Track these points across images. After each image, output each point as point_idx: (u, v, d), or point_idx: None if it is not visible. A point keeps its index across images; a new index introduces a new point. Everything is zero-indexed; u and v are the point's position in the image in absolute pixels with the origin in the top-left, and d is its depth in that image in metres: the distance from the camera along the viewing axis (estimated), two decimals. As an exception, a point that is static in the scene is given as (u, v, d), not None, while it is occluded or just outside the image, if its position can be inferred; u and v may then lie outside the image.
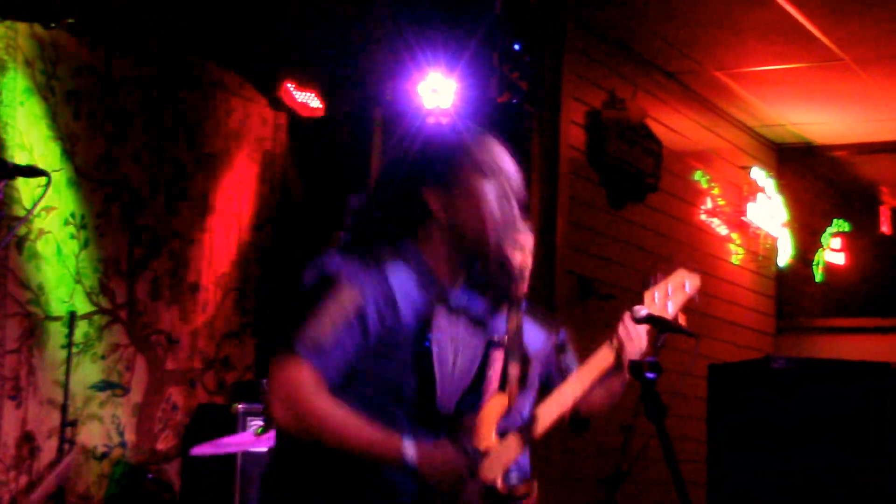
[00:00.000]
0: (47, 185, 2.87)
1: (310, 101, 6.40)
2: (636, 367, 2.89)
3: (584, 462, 6.46)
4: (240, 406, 5.76)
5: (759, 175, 8.46)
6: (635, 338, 3.08)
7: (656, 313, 3.13)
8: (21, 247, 5.55)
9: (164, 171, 6.25)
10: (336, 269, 2.77)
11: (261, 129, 6.88)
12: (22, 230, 5.57)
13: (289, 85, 6.35)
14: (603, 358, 3.05)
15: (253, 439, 4.83)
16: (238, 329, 6.75)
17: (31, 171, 3.08)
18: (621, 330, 3.03)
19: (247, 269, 6.83)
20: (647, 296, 3.20)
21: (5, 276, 5.43)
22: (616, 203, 7.11)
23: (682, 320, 3.23)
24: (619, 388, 3.14)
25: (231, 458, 5.52)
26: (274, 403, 2.65)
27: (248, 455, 5.50)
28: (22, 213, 5.40)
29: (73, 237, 5.80)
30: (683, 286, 3.26)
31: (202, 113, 6.50)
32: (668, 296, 3.23)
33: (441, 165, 2.79)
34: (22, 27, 5.46)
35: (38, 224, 5.60)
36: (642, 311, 3.17)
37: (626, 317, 3.02)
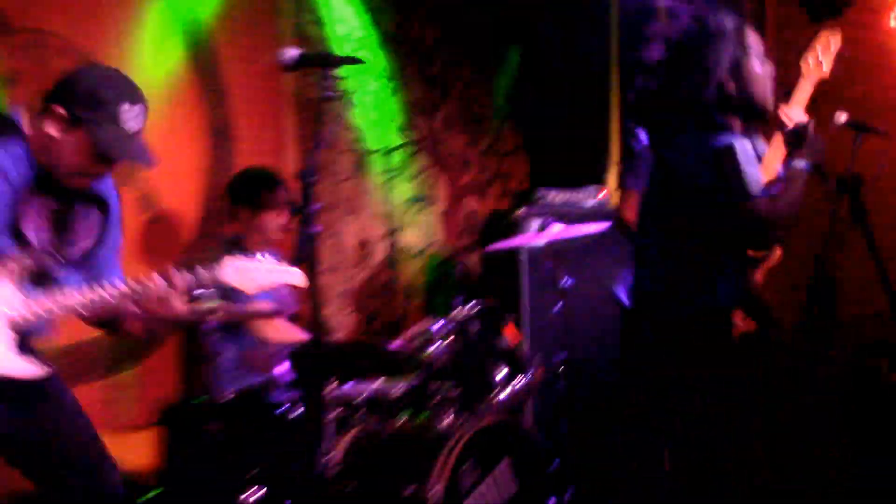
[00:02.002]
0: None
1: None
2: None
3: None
4: (521, 210, 6.31)
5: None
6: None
7: (814, 78, 3.61)
8: (347, 99, 6.26)
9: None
10: None
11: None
12: (350, 85, 6.25)
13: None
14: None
15: (534, 236, 5.29)
16: (513, 148, 7.35)
17: (351, 60, 3.38)
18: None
19: None
20: (803, 65, 3.68)
21: (338, 124, 6.18)
22: (815, 18, 7.33)
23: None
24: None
25: (516, 251, 6.08)
26: None
27: (530, 249, 5.98)
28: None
29: (384, 88, 6.47)
30: (829, 46, 3.73)
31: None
32: (820, 57, 3.71)
33: (724, 54, 3.41)
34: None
35: (359, 81, 6.33)
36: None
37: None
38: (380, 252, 6.38)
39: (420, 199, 6.74)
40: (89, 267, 3.28)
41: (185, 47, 5.41)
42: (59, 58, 4.93)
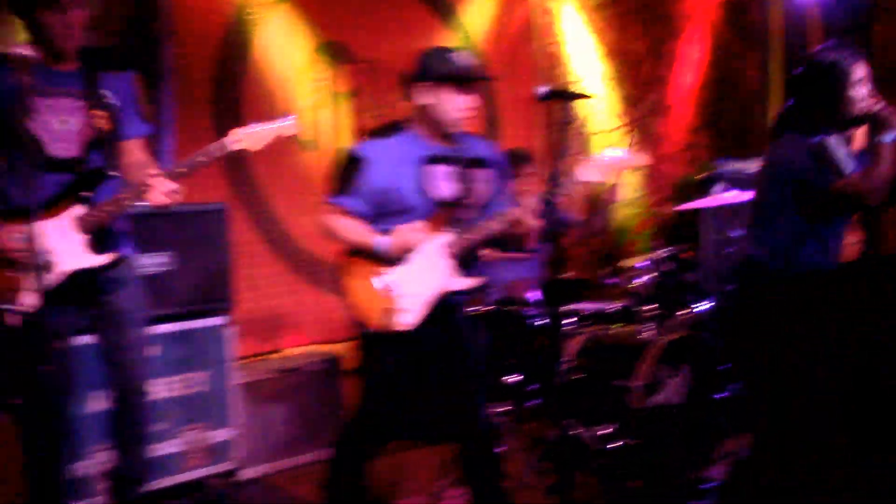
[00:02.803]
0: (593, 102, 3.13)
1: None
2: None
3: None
4: (705, 175, 6.09)
5: None
6: None
7: None
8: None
9: (650, 41, 6.84)
10: None
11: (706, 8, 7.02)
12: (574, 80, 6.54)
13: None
14: None
15: (715, 199, 4.98)
16: (697, 126, 7.11)
17: (586, 96, 3.44)
18: None
19: (703, 93, 7.44)
20: None
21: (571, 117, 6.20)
22: None
23: None
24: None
25: (701, 210, 5.72)
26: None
27: (711, 208, 5.51)
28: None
29: (603, 88, 6.83)
30: None
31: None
32: None
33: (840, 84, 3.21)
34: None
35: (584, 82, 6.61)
36: None
37: None
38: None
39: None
40: (486, 208, 3.28)
41: None
42: (385, 77, 5.39)
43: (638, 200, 6.76)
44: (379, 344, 3.23)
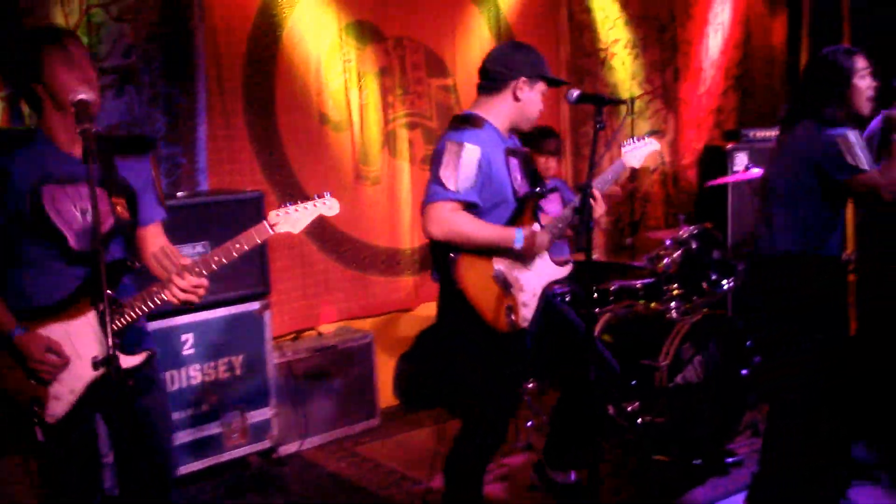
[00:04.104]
0: (628, 110, 2.98)
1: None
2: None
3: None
4: (729, 146, 6.17)
5: None
6: None
7: None
8: (604, 61, 6.31)
9: (677, 3, 6.66)
10: None
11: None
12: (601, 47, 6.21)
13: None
14: None
15: (738, 175, 5.04)
16: (724, 89, 7.02)
17: (616, 101, 3.33)
18: None
19: (730, 55, 7.06)
20: None
21: (583, 81, 6.11)
22: None
23: None
24: None
25: (725, 186, 5.92)
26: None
27: (734, 184, 5.86)
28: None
29: (628, 54, 6.39)
30: None
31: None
32: None
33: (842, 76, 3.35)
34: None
35: (611, 48, 6.32)
36: None
37: None
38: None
39: (656, 132, 6.35)
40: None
41: (493, 37, 5.70)
42: (414, 54, 5.38)
43: (664, 165, 6.72)
44: (505, 342, 3.15)
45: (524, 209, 3.22)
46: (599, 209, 3.09)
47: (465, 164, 3.04)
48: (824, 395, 3.36)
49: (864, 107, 3.42)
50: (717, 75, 7.05)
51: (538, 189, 3.26)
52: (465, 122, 3.17)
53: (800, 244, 3.35)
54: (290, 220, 2.57)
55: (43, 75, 2.44)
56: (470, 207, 3.07)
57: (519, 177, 3.26)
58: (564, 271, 3.32)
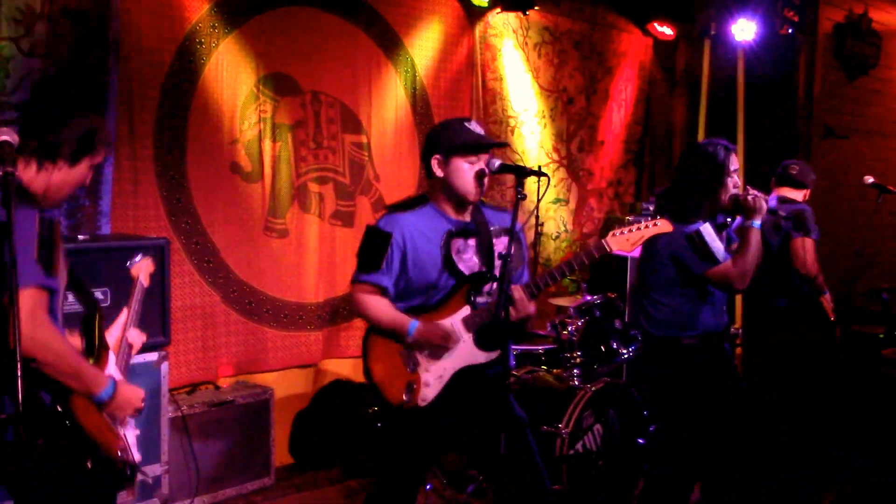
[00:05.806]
0: (547, 185, 2.95)
1: (665, 31, 7.12)
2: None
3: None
4: (630, 218, 6.60)
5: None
6: None
7: None
8: (514, 129, 6.28)
9: (585, 79, 6.87)
10: None
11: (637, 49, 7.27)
12: (512, 115, 6.42)
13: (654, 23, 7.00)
14: None
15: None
16: (624, 162, 7.32)
17: (537, 173, 3.05)
18: None
19: (632, 131, 7.35)
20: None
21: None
22: (851, 77, 7.46)
23: None
24: None
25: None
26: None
27: (633, 257, 5.66)
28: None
29: (537, 124, 6.47)
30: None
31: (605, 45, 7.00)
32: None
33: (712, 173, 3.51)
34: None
35: (521, 117, 6.36)
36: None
37: None
38: (530, 236, 6.34)
39: (559, 200, 6.79)
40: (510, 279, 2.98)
41: (409, 98, 5.73)
42: (329, 109, 5.35)
43: (566, 234, 6.82)
44: (399, 418, 3.14)
45: (454, 294, 3.14)
46: (529, 307, 3.03)
47: (376, 248, 3.09)
48: (694, 470, 3.54)
49: (726, 202, 3.58)
50: (618, 149, 7.26)
51: (484, 272, 3.13)
52: (402, 206, 3.20)
53: (671, 330, 3.57)
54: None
55: None
56: (383, 290, 3.12)
57: (471, 257, 3.17)
58: (487, 357, 3.15)
